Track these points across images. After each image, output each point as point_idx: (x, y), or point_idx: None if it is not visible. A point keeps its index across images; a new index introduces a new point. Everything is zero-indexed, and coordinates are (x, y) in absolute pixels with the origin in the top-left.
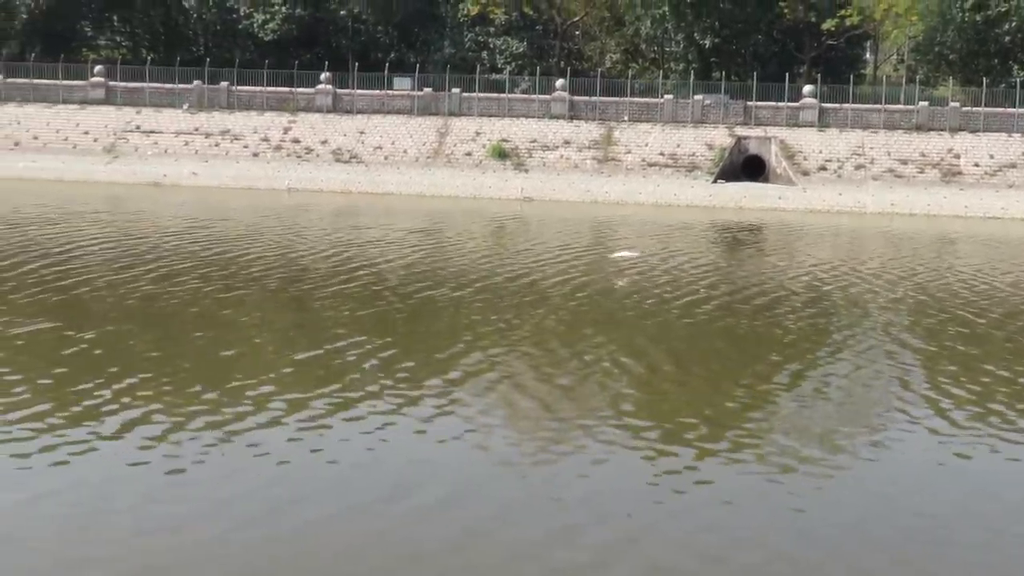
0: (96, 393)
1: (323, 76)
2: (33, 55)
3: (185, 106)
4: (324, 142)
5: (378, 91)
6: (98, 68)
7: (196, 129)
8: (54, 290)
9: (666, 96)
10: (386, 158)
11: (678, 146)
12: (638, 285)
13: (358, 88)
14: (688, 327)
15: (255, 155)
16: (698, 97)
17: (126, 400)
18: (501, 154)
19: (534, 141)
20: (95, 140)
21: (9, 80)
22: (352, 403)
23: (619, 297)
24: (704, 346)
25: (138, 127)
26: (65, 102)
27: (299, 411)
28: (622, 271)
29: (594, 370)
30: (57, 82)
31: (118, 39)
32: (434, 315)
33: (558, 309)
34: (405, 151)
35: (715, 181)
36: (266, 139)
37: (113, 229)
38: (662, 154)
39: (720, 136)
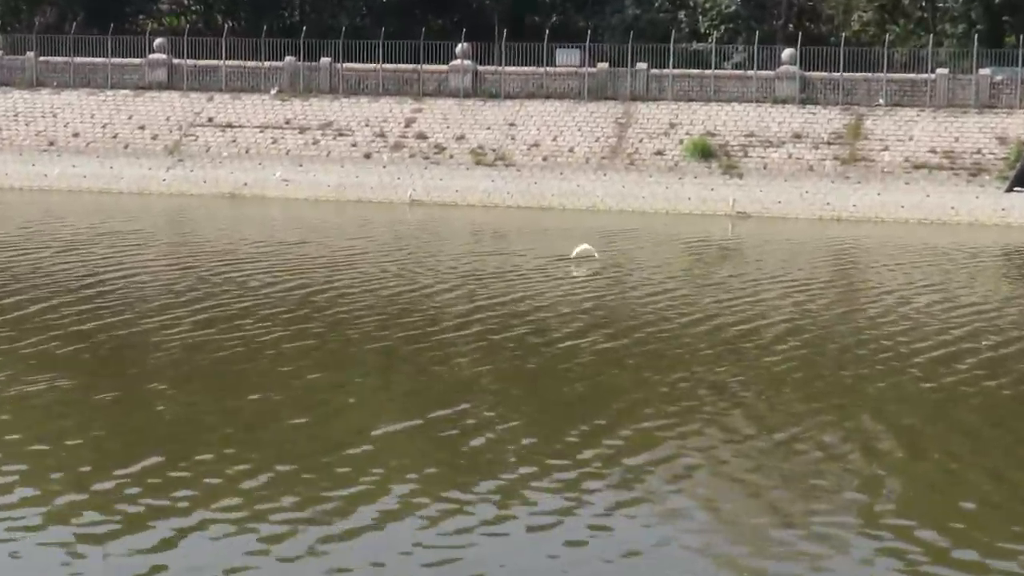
0: (118, 476)
1: (459, 48)
2: (74, 25)
3: (273, 91)
4: (460, 138)
5: (535, 68)
6: (158, 42)
7: (287, 122)
8: (75, 336)
9: (938, 71)
10: (545, 159)
11: (956, 140)
12: (918, 333)
13: (507, 65)
14: (982, 405)
15: (367, 156)
16: (984, 71)
17: (156, 494)
18: (704, 153)
19: (750, 135)
20: (154, 137)
21: (43, 59)
22: (510, 499)
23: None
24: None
25: (210, 119)
26: (115, 87)
27: (421, 509)
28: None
29: (831, 455)
30: (105, 60)
31: (186, 2)
32: (613, 384)
33: (764, 360)
34: (571, 150)
35: (1010, 189)
36: (382, 134)
37: (166, 256)
38: (933, 151)
39: (1017, 125)
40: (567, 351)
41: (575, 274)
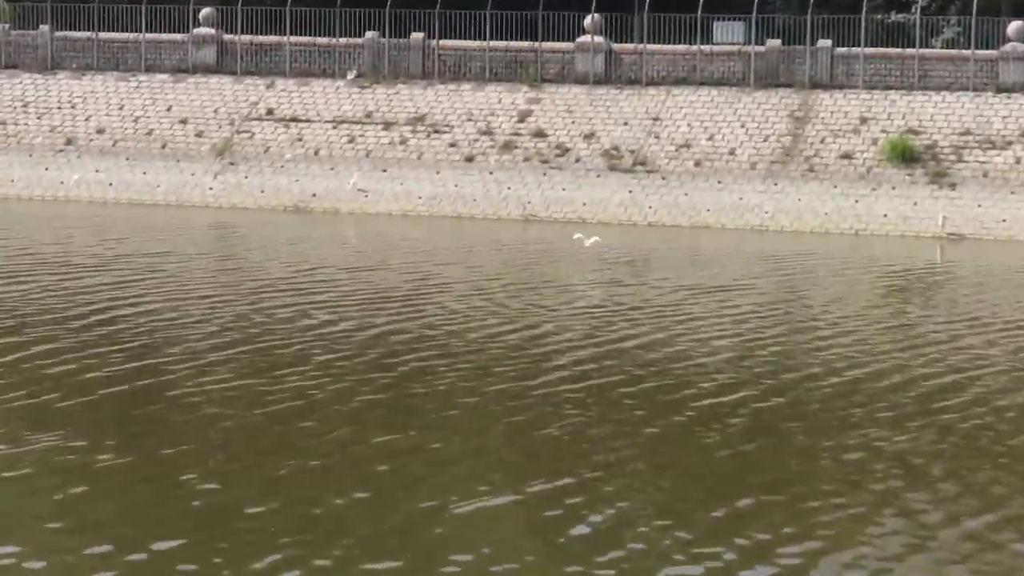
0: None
1: (588, 21)
2: None
3: (351, 74)
4: (589, 136)
5: (686, 46)
6: (205, 12)
7: (368, 115)
8: (81, 386)
9: None
10: (697, 164)
11: None
12: None
13: (650, 42)
14: None
15: (469, 159)
16: None
17: None
18: (905, 156)
19: (966, 133)
20: (199, 134)
21: (60, 34)
22: None
23: None
24: None
25: (270, 112)
26: (150, 70)
27: None
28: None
29: None
30: (138, 37)
31: None
32: (763, 453)
33: (960, 427)
34: (732, 152)
35: None
36: (488, 131)
37: (205, 285)
38: None
39: None
40: (707, 411)
41: (731, 309)
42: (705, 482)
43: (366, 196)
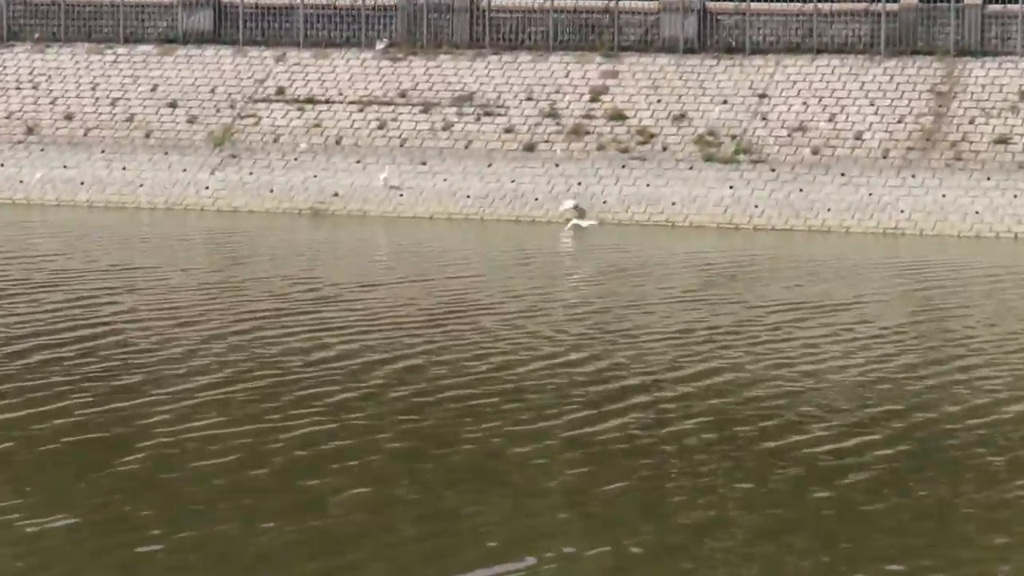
0: None
1: None
2: None
3: (380, 45)
4: (680, 118)
5: (798, 4)
6: None
7: (403, 94)
8: (36, 435)
9: None
10: (816, 153)
11: None
12: None
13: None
14: None
15: (529, 148)
16: None
17: None
18: None
19: None
20: (191, 120)
21: None
22: None
23: None
24: None
25: (281, 91)
26: (130, 41)
27: None
28: None
29: None
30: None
31: None
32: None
33: None
34: (858, 137)
35: None
36: (553, 113)
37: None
38: None
39: None
40: (817, 462)
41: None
42: (815, 553)
43: (400, 195)
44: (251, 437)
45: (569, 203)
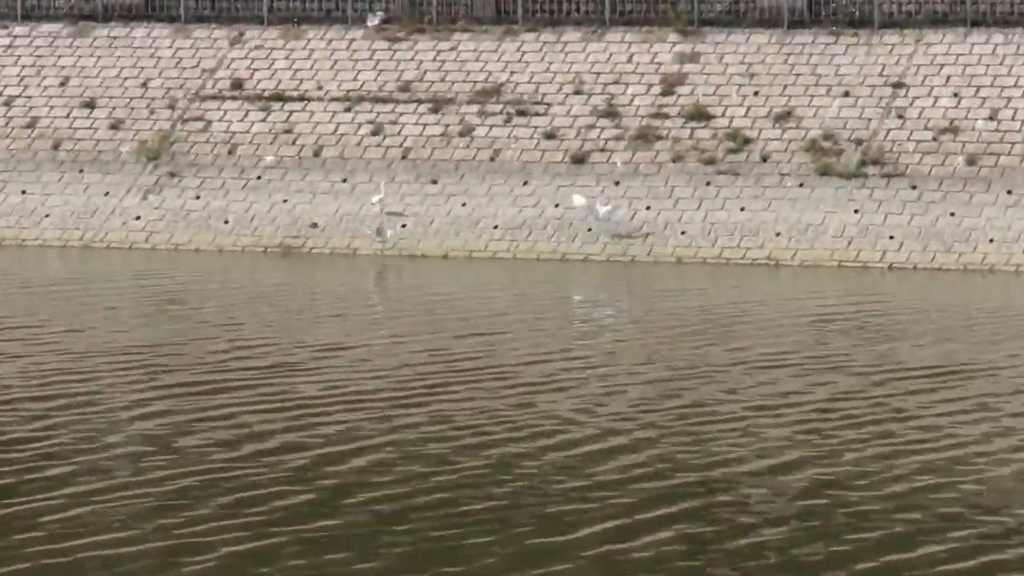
0: None
1: None
2: None
3: (374, 19)
4: (783, 117)
5: None
6: None
7: (406, 87)
8: None
9: None
10: (972, 162)
11: None
12: None
13: None
14: None
15: (577, 159)
16: None
17: None
18: None
19: None
20: (115, 125)
21: None
22: None
23: None
24: None
25: (238, 84)
26: (31, 18)
27: None
28: None
29: None
30: None
31: None
32: None
33: None
34: None
35: None
36: (610, 111)
37: (99, 381)
38: None
39: None
40: None
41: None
42: None
43: (402, 225)
44: (155, 557)
45: (579, 199)
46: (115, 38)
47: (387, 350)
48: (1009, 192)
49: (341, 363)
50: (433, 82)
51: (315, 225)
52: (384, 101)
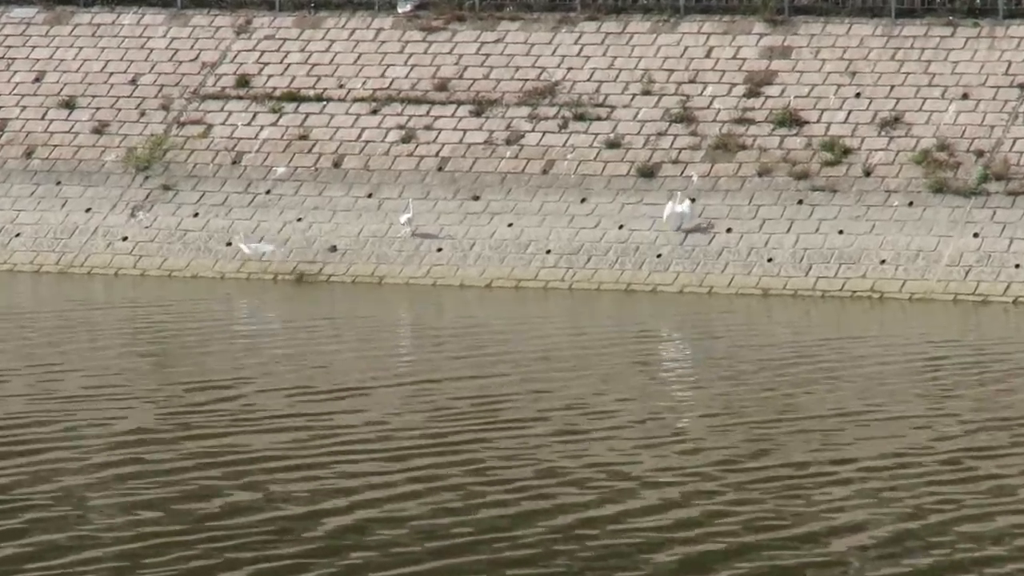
0: None
1: None
2: None
3: (405, 7)
4: (892, 121)
5: None
6: None
7: (442, 85)
8: None
9: None
10: None
11: None
12: None
13: None
14: None
15: (646, 173)
16: None
17: None
18: None
19: None
20: (99, 129)
21: None
22: None
23: None
24: None
25: (244, 81)
26: (8, 1)
27: None
28: None
29: None
30: None
31: None
32: None
33: None
34: None
35: None
36: (685, 116)
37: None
38: None
39: None
40: None
41: None
42: None
43: (438, 249)
44: None
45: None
46: (99, 25)
47: (402, 391)
48: None
49: (354, 405)
50: (475, 80)
51: (334, 248)
52: (417, 102)
